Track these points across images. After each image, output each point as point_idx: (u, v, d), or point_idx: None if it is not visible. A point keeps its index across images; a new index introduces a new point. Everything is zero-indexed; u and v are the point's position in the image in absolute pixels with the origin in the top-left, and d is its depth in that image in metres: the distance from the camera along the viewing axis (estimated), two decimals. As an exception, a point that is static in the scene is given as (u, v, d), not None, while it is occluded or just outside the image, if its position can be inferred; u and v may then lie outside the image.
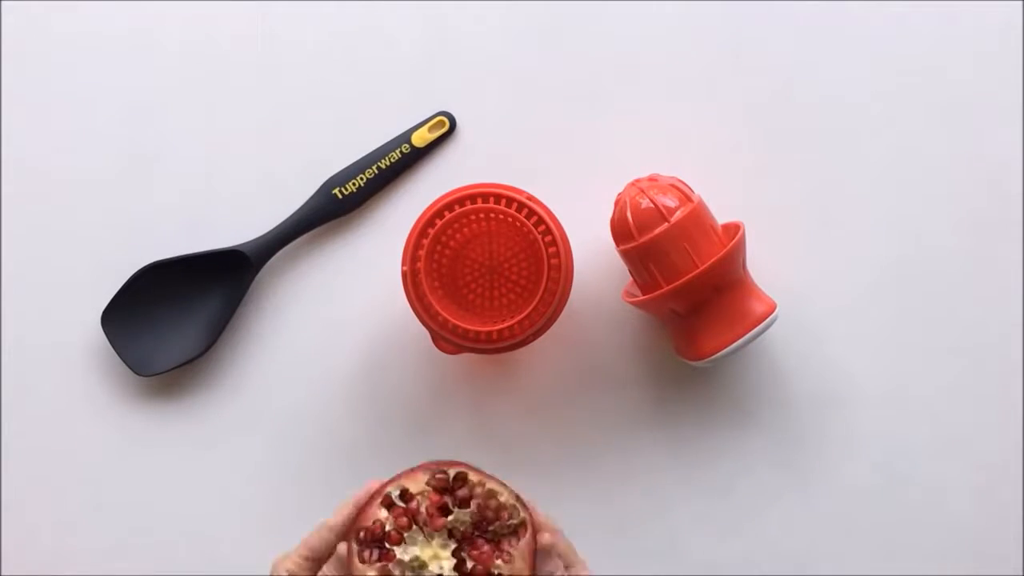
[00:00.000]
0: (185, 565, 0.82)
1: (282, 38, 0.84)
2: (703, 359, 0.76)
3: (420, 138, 0.82)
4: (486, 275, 0.78)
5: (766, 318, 0.75)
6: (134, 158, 0.83)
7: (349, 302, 0.83)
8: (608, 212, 0.77)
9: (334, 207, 0.82)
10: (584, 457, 0.82)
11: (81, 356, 0.83)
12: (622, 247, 0.76)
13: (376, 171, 0.82)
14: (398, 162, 0.82)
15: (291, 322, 0.83)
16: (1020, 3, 0.83)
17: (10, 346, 0.83)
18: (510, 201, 0.74)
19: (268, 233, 0.82)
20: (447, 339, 0.75)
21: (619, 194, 0.77)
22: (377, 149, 0.83)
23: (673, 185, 0.76)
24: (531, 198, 0.74)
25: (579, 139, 0.83)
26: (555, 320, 0.75)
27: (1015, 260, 0.82)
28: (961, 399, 0.82)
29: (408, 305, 0.75)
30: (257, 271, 0.82)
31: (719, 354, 0.75)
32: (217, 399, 0.83)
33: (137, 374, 0.81)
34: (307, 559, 0.65)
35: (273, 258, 0.82)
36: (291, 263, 0.83)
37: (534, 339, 0.75)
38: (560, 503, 0.79)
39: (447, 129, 0.83)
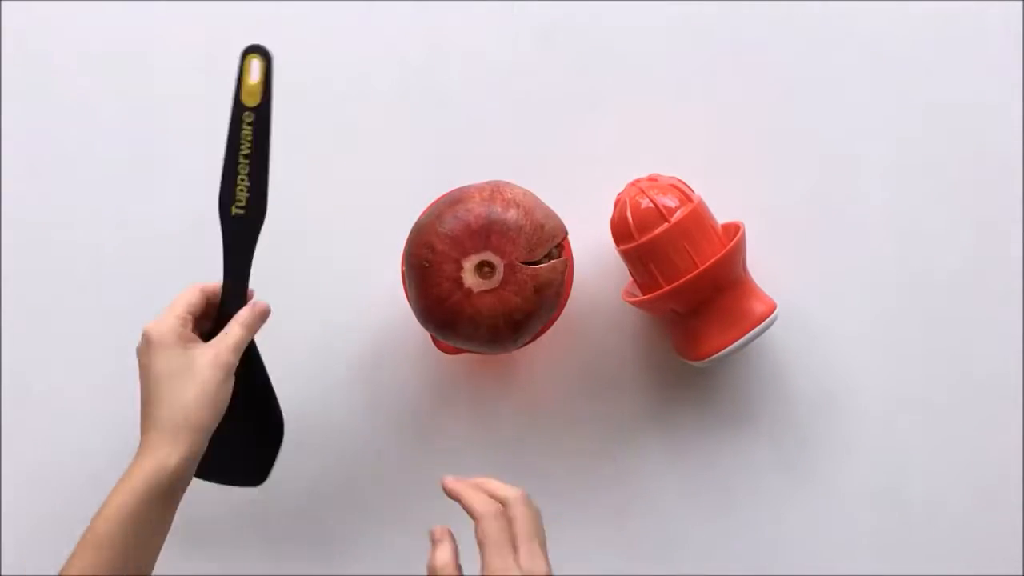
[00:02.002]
0: (185, 564, 0.82)
1: (282, 37, 0.84)
2: (703, 359, 0.76)
3: (249, 94, 0.70)
4: (486, 275, 0.78)
5: (766, 318, 0.75)
6: (135, 157, 0.83)
7: (349, 302, 0.82)
8: (608, 212, 0.77)
9: (247, 221, 0.71)
10: (583, 456, 0.82)
11: (82, 356, 0.83)
12: (622, 247, 0.76)
13: (244, 159, 0.70)
14: (252, 132, 0.69)
15: (291, 322, 0.83)
16: (1020, 3, 0.83)
17: (10, 346, 0.83)
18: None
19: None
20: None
21: (619, 194, 0.77)
22: (228, 141, 0.70)
23: (673, 185, 0.76)
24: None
25: (579, 139, 0.83)
26: (555, 321, 0.75)
27: (1015, 260, 0.82)
28: (961, 399, 0.82)
29: (408, 305, 0.75)
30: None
31: (719, 354, 0.75)
32: (217, 399, 0.83)
33: (137, 374, 0.81)
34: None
35: (273, 258, 0.82)
36: (290, 263, 0.83)
37: (534, 340, 0.75)
38: (560, 502, 0.79)
39: (265, 66, 0.69)
